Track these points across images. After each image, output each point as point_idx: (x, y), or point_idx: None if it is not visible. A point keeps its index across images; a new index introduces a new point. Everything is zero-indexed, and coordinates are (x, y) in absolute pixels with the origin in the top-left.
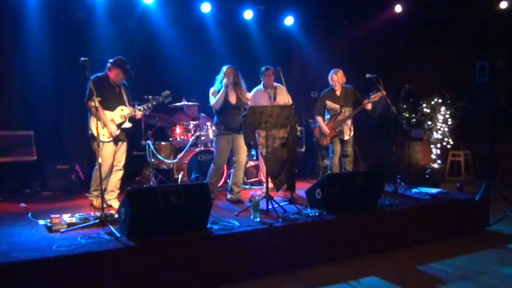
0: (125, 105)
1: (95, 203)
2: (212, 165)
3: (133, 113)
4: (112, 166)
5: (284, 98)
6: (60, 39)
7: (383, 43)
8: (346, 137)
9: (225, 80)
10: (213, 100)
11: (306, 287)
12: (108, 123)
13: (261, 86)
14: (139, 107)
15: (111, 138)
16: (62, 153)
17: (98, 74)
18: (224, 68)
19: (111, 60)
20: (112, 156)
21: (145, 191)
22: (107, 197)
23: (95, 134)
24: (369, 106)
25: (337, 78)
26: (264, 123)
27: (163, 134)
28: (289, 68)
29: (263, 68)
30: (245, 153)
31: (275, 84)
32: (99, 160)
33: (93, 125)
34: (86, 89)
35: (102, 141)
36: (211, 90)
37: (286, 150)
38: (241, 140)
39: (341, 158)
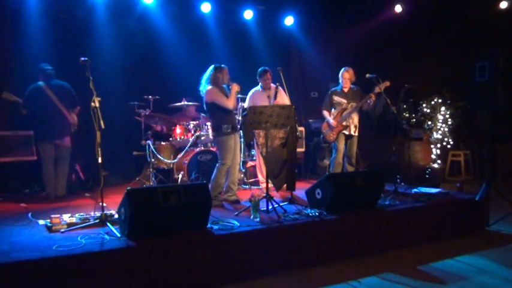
0: None
1: None
2: (221, 165)
3: None
4: None
5: (283, 99)
6: (60, 39)
7: (383, 43)
8: (352, 132)
9: (236, 86)
10: (226, 100)
11: (306, 287)
12: None
13: (258, 87)
14: None
15: None
16: None
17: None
18: (226, 69)
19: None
20: None
21: (145, 191)
22: None
23: None
24: (373, 97)
25: (348, 76)
26: (264, 123)
27: (163, 134)
28: (289, 68)
29: (261, 71)
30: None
31: (274, 85)
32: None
33: None
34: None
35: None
36: (215, 90)
37: (286, 150)
38: (239, 139)
39: (344, 158)
